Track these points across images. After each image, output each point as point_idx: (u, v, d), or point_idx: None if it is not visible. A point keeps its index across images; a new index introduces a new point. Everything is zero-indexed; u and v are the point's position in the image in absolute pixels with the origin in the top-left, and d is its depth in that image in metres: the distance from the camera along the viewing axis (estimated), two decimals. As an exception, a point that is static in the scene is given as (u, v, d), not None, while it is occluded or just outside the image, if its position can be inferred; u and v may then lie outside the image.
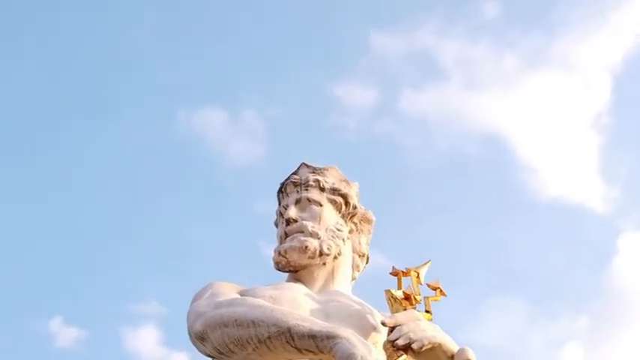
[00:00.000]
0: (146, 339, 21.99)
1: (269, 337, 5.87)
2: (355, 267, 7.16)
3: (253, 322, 5.92)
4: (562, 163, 23.34)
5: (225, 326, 6.00)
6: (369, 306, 6.69)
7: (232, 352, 6.04)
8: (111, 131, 22.56)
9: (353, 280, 7.17)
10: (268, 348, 5.90)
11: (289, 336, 5.82)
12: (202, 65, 22.49)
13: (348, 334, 5.73)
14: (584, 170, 23.28)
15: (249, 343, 5.94)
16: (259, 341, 5.90)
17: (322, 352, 5.77)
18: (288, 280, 6.97)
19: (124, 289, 22.24)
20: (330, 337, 5.72)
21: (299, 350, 5.84)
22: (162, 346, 21.98)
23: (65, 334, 21.71)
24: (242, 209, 21.68)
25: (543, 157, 23.14)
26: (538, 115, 23.13)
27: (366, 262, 7.30)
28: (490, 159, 23.11)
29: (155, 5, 22.69)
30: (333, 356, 5.70)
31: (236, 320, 5.97)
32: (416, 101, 22.67)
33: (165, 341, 21.99)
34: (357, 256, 7.17)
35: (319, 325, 5.83)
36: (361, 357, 5.58)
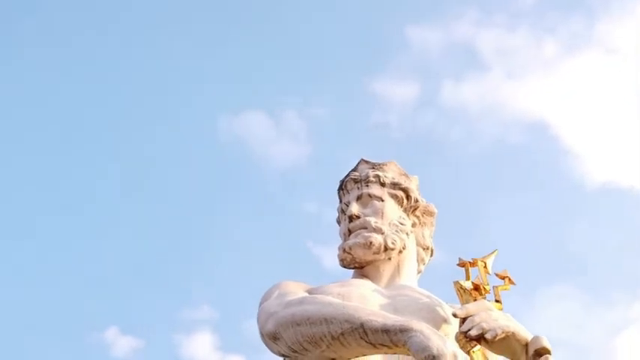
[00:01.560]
0: (201, 344, 22.15)
1: (342, 334, 5.86)
2: (420, 260, 7.17)
3: (326, 319, 5.92)
4: (609, 146, 23.07)
5: (298, 325, 6.01)
6: (437, 298, 6.69)
7: (306, 349, 6.05)
8: (155, 140, 22.77)
9: (419, 273, 7.18)
10: (342, 344, 5.90)
11: (362, 331, 5.81)
12: (239, 69, 22.59)
13: (421, 326, 5.70)
14: (633, 153, 22.98)
15: (322, 341, 5.94)
16: (333, 338, 5.90)
17: (397, 346, 5.75)
18: (354, 277, 6.98)
19: (175, 296, 22.44)
20: (403, 330, 5.70)
21: (373, 345, 5.83)
22: (216, 350, 22.13)
23: (121, 344, 21.95)
24: (289, 210, 21.77)
25: (590, 142, 22.92)
26: (582, 99, 22.91)
27: (431, 255, 7.30)
28: (536, 147, 22.92)
29: (192, 12, 22.83)
30: (407, 349, 5.68)
31: (308, 318, 5.98)
32: (457, 93, 22.56)
33: (219, 345, 22.15)
34: (421, 249, 7.18)
35: (392, 319, 5.82)
36: (437, 349, 5.54)
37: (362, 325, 5.81)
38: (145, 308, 22.21)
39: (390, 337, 5.73)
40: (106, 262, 22.50)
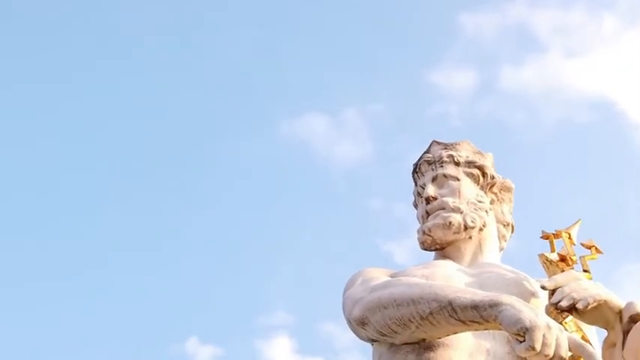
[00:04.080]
0: (280, 349, 22.26)
1: (431, 313, 5.78)
2: (501, 237, 7.06)
3: (413, 300, 5.85)
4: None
5: (385, 308, 5.95)
6: (523, 273, 6.59)
7: (395, 332, 5.99)
8: (216, 148, 22.96)
9: (500, 250, 7.08)
10: (432, 324, 5.82)
11: (451, 309, 5.72)
12: (296, 72, 22.67)
13: (511, 300, 5.60)
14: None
15: (411, 322, 5.87)
16: (421, 318, 5.82)
17: (487, 322, 5.64)
18: (436, 259, 6.92)
19: (251, 302, 22.60)
20: (492, 305, 5.60)
21: (463, 322, 5.73)
22: (295, 353, 22.20)
23: (202, 353, 22.16)
24: (356, 209, 21.76)
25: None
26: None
27: (512, 231, 7.20)
28: (602, 124, 22.53)
29: (246, 18, 23.00)
30: (499, 324, 5.57)
31: (395, 300, 5.92)
32: (516, 77, 22.32)
33: (297, 349, 22.22)
34: (501, 226, 7.07)
35: (480, 294, 5.72)
36: (529, 321, 5.43)
37: (450, 303, 5.72)
38: (223, 317, 22.42)
39: (480, 312, 5.64)
40: (182, 273, 22.75)
